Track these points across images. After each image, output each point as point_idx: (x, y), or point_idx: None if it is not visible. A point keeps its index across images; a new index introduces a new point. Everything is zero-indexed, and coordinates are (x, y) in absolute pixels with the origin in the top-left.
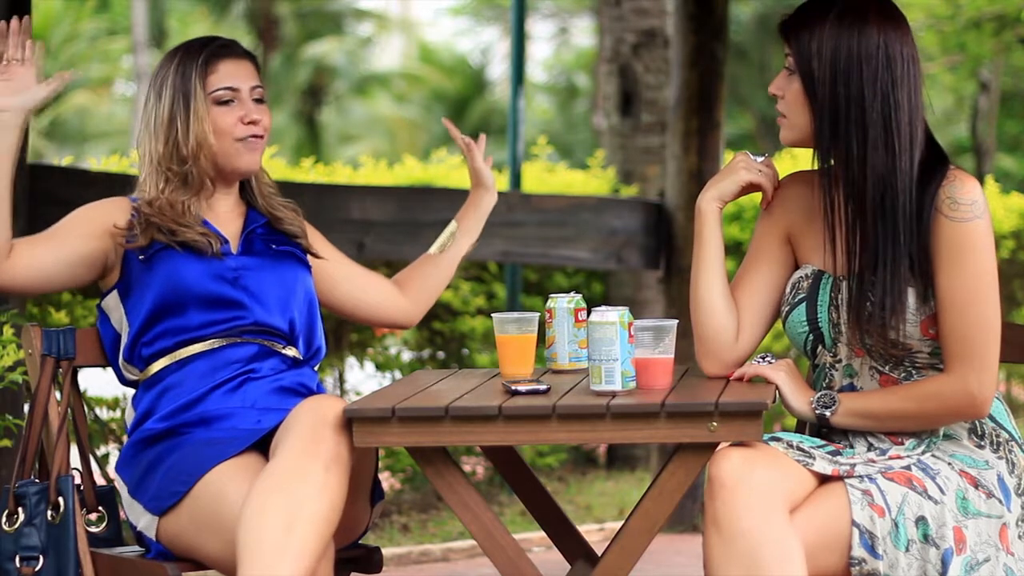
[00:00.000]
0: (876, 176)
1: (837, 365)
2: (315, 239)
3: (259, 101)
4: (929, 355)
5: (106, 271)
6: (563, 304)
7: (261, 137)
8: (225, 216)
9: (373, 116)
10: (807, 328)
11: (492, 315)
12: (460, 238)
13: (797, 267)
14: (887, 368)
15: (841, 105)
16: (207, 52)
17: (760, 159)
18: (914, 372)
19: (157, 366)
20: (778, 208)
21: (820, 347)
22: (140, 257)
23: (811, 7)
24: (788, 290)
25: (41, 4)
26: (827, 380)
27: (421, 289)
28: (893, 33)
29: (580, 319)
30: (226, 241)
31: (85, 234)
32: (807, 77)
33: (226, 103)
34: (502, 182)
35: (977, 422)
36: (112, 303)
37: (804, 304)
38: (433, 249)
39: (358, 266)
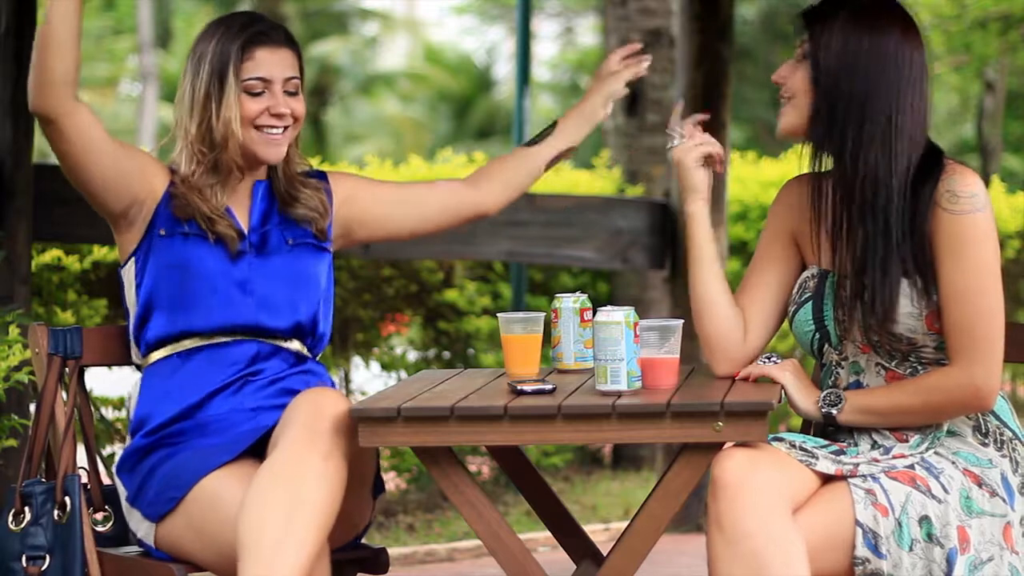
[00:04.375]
0: (869, 174)
1: (843, 363)
2: (353, 184)
3: (292, 93)
4: (935, 349)
5: (125, 217)
6: (568, 304)
7: (284, 130)
8: (241, 194)
9: (378, 116)
10: (813, 327)
11: (498, 315)
12: (556, 136)
13: (805, 268)
14: (893, 364)
15: (843, 99)
16: (246, 36)
17: (678, 131)
18: (920, 367)
19: (157, 355)
20: (784, 210)
21: (827, 345)
22: (161, 232)
23: (835, 1)
24: (795, 290)
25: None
26: (833, 378)
27: (500, 180)
28: (907, 39)
29: (586, 319)
30: (243, 235)
31: (133, 158)
32: (815, 67)
33: (256, 94)
34: None
35: (981, 420)
36: (128, 270)
37: (811, 303)
38: (525, 141)
39: (409, 185)
